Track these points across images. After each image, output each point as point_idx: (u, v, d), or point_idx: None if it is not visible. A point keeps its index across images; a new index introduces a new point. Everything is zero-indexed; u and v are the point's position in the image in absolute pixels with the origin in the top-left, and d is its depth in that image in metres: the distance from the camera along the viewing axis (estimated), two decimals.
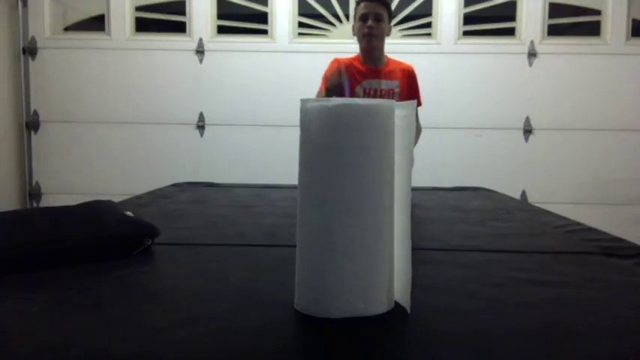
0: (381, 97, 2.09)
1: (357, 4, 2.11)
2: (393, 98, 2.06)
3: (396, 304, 0.65)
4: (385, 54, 2.13)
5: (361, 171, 0.60)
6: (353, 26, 2.14)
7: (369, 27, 2.03)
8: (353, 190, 0.60)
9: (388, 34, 2.11)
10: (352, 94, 2.11)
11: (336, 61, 2.17)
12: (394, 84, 2.10)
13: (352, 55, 2.16)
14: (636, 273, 0.84)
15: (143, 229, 0.93)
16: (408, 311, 0.63)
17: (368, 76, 2.09)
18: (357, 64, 2.13)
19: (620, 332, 0.59)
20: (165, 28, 3.48)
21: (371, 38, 2.04)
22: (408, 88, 2.12)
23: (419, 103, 2.16)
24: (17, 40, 3.42)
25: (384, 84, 2.09)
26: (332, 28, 3.47)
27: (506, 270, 0.87)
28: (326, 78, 2.12)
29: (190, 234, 1.13)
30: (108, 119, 3.46)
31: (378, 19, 2.03)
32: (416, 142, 2.14)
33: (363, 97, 2.10)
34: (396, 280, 0.65)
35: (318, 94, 2.17)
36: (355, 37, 2.13)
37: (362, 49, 2.11)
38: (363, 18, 2.04)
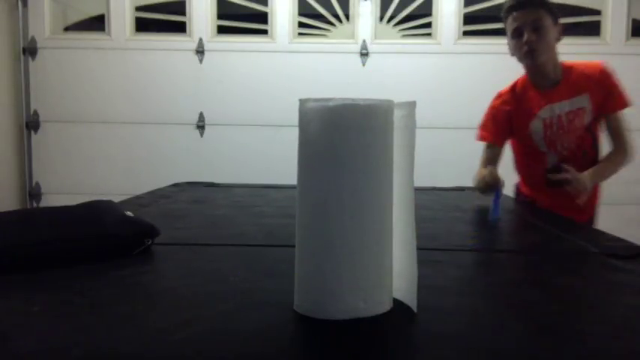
0: (569, 123, 1.65)
1: (505, 17, 1.67)
2: (582, 119, 1.65)
3: (400, 303, 0.65)
4: (562, 63, 1.70)
5: (361, 171, 0.60)
6: (508, 44, 1.69)
7: (528, 42, 1.59)
8: (352, 190, 0.60)
9: (559, 39, 1.67)
10: (527, 132, 1.70)
11: (503, 101, 1.75)
12: (582, 99, 1.64)
13: (518, 79, 1.75)
14: (636, 273, 0.84)
15: (143, 229, 0.93)
16: (415, 310, 0.63)
17: (546, 102, 1.66)
18: (529, 92, 1.70)
19: (620, 332, 0.59)
20: (165, 28, 3.48)
21: (534, 55, 1.61)
22: (603, 93, 1.65)
23: (625, 104, 1.69)
24: (17, 40, 3.42)
25: (569, 104, 1.65)
26: (332, 28, 3.47)
27: (506, 270, 0.87)
28: (489, 120, 1.76)
29: (190, 234, 1.13)
30: (108, 119, 3.47)
31: (536, 27, 1.59)
32: (623, 163, 1.70)
33: (544, 130, 1.67)
34: (402, 280, 0.65)
35: (480, 128, 1.78)
36: (515, 57, 1.70)
37: (526, 69, 1.70)
38: (516, 33, 1.62)
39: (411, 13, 3.42)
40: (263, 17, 3.43)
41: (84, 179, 3.45)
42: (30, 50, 3.43)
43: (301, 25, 3.45)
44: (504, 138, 1.75)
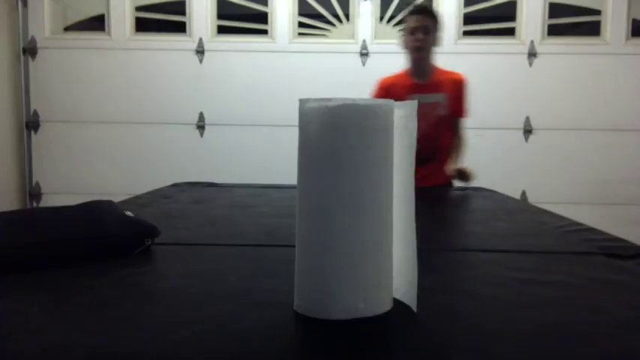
0: (427, 112, 2.12)
1: (408, 18, 2.18)
2: (437, 111, 2.14)
3: (400, 303, 0.65)
4: (435, 65, 2.19)
5: (360, 171, 0.60)
6: (403, 39, 2.21)
7: (417, 39, 2.11)
8: (352, 190, 0.60)
9: (437, 45, 2.18)
10: None
11: (381, 87, 2.23)
12: (440, 96, 2.15)
13: (400, 71, 2.24)
14: (636, 273, 0.84)
15: (143, 229, 0.93)
16: (415, 310, 0.63)
17: (413, 91, 2.13)
18: (404, 80, 2.19)
19: (620, 332, 0.59)
20: (165, 28, 3.48)
21: (420, 49, 2.13)
22: (457, 97, 2.18)
23: (464, 114, 2.21)
24: (17, 40, 3.42)
25: (430, 97, 2.14)
26: (332, 28, 3.47)
27: (507, 270, 0.87)
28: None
29: (190, 234, 1.13)
30: (108, 119, 3.46)
31: (426, 31, 2.11)
32: (459, 154, 2.23)
33: None
34: (402, 280, 0.65)
35: None
36: (405, 50, 2.19)
37: (410, 61, 2.19)
38: (411, 31, 2.13)
39: None
40: (263, 17, 3.43)
41: (84, 179, 3.45)
42: (30, 50, 3.43)
43: (301, 25, 3.45)
44: None
